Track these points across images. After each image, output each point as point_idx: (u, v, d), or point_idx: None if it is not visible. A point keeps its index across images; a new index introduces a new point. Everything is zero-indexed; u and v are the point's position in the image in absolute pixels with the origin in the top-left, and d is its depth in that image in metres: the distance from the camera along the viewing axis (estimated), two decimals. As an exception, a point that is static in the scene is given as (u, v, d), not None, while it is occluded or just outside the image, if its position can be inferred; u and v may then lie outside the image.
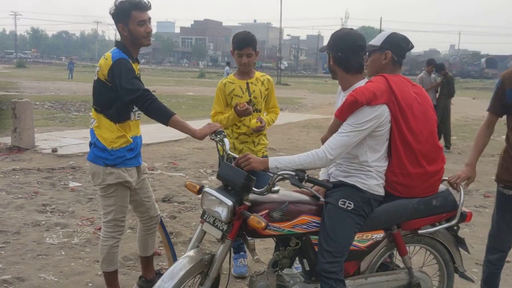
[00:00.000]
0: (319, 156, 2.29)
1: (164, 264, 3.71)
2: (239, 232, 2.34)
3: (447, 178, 2.69)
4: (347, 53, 2.43)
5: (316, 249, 2.43)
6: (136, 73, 2.85)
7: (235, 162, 2.38)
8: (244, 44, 3.34)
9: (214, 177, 6.50)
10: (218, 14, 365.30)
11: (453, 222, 2.62)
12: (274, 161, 2.30)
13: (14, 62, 57.35)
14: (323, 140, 2.40)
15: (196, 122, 10.66)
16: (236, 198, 2.28)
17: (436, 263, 2.83)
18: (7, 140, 8.28)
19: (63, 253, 3.93)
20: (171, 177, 6.65)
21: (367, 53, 2.56)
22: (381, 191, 2.46)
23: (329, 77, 2.67)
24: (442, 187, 2.62)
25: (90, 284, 3.40)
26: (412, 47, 2.57)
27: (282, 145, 9.52)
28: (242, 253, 3.69)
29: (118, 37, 2.93)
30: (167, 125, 2.71)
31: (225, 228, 2.30)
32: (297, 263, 2.65)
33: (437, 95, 9.73)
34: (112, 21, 2.85)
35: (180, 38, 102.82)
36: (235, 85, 3.48)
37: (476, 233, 4.77)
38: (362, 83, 2.47)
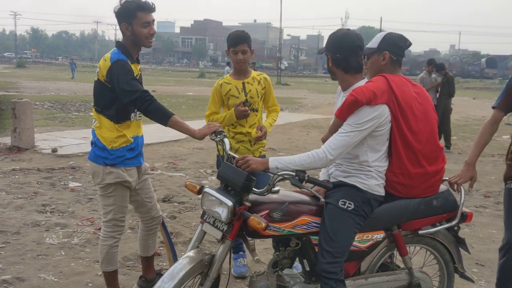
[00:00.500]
0: (320, 156, 2.29)
1: (164, 264, 3.71)
2: (239, 233, 2.33)
3: (447, 178, 2.69)
4: (346, 53, 2.43)
5: (316, 250, 2.43)
6: (136, 74, 2.86)
7: (234, 163, 2.38)
8: (239, 40, 3.35)
9: (214, 177, 6.50)
10: (218, 14, 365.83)
11: (454, 222, 2.61)
12: (274, 161, 2.30)
13: (14, 62, 57.36)
14: (324, 140, 2.40)
15: (196, 122, 10.66)
16: (236, 199, 2.27)
17: (436, 263, 2.83)
18: (7, 140, 8.28)
19: (63, 253, 3.92)
20: (171, 177, 6.65)
21: (365, 57, 2.55)
22: (381, 191, 2.46)
23: (329, 77, 2.67)
24: (442, 187, 2.62)
25: (90, 284, 3.39)
26: (410, 44, 2.56)
27: (282, 145, 9.52)
28: (241, 252, 3.69)
29: (118, 37, 2.96)
30: (166, 126, 2.71)
31: (225, 228, 2.30)
32: (297, 262, 2.65)
33: (437, 95, 9.73)
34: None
35: (180, 38, 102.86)
36: (231, 86, 3.48)
37: (476, 233, 4.77)
38: (362, 83, 2.47)
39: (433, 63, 9.87)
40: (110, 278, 3.05)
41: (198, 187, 2.44)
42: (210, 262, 2.31)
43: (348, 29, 2.57)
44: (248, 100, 3.46)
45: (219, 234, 2.32)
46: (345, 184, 2.45)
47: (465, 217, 2.63)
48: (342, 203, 2.38)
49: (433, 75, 9.92)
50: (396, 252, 2.69)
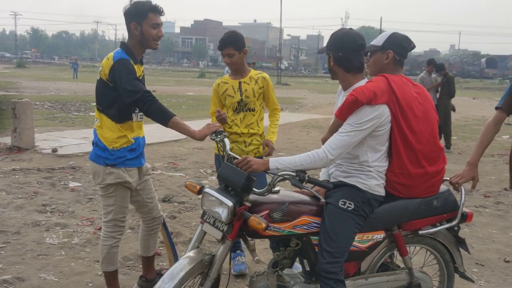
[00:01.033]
0: (320, 156, 2.29)
1: (165, 264, 3.71)
2: (239, 233, 2.33)
3: (448, 178, 2.69)
4: (348, 52, 2.43)
5: (317, 250, 2.43)
6: (139, 75, 2.87)
7: (234, 164, 2.38)
8: (223, 44, 3.36)
9: (214, 177, 6.50)
10: (218, 14, 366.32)
11: (454, 222, 2.61)
12: (274, 162, 2.30)
13: (14, 62, 57.36)
14: (324, 141, 2.39)
15: (196, 122, 10.67)
16: (236, 199, 2.27)
17: (437, 263, 2.83)
18: (7, 140, 8.28)
19: (63, 253, 3.92)
20: (171, 177, 6.65)
21: (368, 54, 2.56)
22: (381, 191, 2.46)
23: (329, 77, 2.66)
24: (443, 187, 2.62)
25: (90, 284, 3.39)
26: (414, 46, 2.57)
27: (282, 145, 9.52)
28: (239, 251, 3.69)
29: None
30: (166, 127, 2.72)
31: (225, 228, 2.30)
32: (297, 262, 2.65)
33: (438, 95, 9.73)
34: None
35: (180, 38, 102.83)
36: (228, 85, 3.50)
37: (476, 233, 4.77)
38: (362, 83, 2.47)
39: (433, 63, 9.87)
40: (111, 278, 3.06)
41: (198, 187, 2.44)
42: (210, 262, 2.31)
43: (350, 29, 2.57)
44: (243, 99, 3.45)
45: (219, 234, 2.32)
46: (345, 184, 2.45)
47: (465, 217, 2.63)
48: (342, 203, 2.38)
49: (433, 75, 9.92)
50: (396, 252, 2.69)
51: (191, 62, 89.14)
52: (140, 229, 3.30)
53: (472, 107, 21.62)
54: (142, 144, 3.06)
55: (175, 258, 3.29)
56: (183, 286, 2.18)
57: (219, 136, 2.68)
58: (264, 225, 2.16)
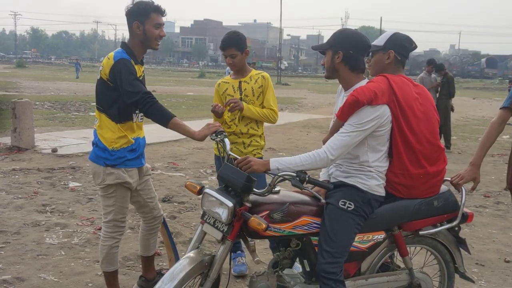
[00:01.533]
0: (320, 156, 2.29)
1: (165, 264, 3.71)
2: (239, 233, 2.33)
3: (448, 178, 2.68)
4: (358, 51, 2.43)
5: (317, 250, 2.42)
6: (139, 75, 2.87)
7: (234, 164, 2.37)
8: (226, 45, 3.34)
9: (214, 177, 6.50)
10: (218, 14, 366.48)
11: (455, 223, 2.61)
12: (275, 162, 2.30)
13: (14, 62, 57.35)
14: (325, 142, 2.39)
15: (196, 122, 10.66)
16: (236, 199, 2.27)
17: (437, 264, 2.82)
18: (7, 140, 8.27)
19: (63, 253, 3.92)
20: (171, 177, 6.65)
21: (370, 54, 2.56)
22: (381, 192, 2.45)
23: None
24: (443, 187, 2.61)
25: (90, 284, 3.39)
26: (416, 47, 2.57)
27: (282, 145, 9.52)
28: (239, 252, 3.69)
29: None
30: (166, 128, 2.72)
31: (225, 229, 2.29)
32: (297, 262, 2.65)
33: (437, 95, 9.73)
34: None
35: (180, 38, 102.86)
36: (228, 85, 3.49)
37: (477, 233, 4.77)
38: (363, 83, 2.46)
39: (432, 63, 9.87)
40: (110, 278, 3.06)
41: (198, 188, 2.44)
42: (210, 262, 2.30)
43: (356, 30, 2.58)
44: (242, 98, 3.43)
45: (219, 235, 2.31)
46: (346, 184, 2.44)
47: (466, 218, 2.62)
48: (342, 203, 2.38)
49: (433, 75, 9.93)
50: (396, 253, 2.69)
51: (191, 62, 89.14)
52: (140, 229, 3.30)
53: (472, 107, 21.63)
54: (143, 144, 3.06)
55: (176, 257, 3.29)
56: (183, 287, 2.18)
57: (219, 136, 2.67)
58: (264, 225, 2.15)
